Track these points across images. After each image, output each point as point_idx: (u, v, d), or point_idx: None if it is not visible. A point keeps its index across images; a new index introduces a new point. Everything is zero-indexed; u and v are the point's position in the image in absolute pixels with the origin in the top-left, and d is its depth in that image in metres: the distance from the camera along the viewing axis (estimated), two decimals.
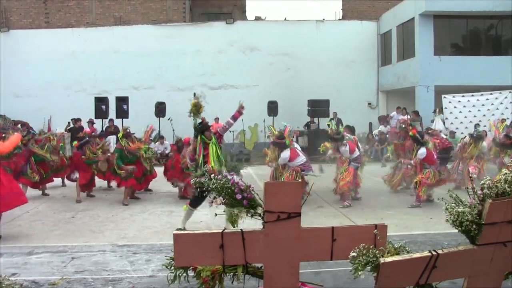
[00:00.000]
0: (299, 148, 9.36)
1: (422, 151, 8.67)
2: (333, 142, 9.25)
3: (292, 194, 2.81)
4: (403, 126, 9.91)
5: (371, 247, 2.63)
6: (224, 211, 3.25)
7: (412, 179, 9.32)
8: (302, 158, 8.69)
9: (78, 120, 16.58)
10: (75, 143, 9.78)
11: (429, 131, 10.76)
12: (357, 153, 9.14)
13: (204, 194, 6.47)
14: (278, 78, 19.94)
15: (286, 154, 8.61)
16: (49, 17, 21.63)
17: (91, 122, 16.10)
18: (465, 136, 11.11)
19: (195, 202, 7.00)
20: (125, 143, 9.23)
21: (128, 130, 9.56)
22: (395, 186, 10.17)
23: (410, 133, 9.19)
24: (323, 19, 21.22)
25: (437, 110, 16.48)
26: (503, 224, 2.61)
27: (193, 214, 7.08)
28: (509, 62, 16.50)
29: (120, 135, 9.51)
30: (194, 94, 7.34)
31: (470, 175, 9.35)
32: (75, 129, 16.24)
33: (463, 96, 16.07)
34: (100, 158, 9.60)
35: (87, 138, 9.66)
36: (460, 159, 10.45)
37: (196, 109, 7.05)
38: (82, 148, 9.51)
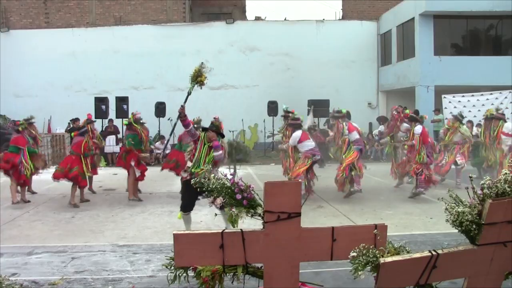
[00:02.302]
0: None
1: (418, 127, 9.27)
2: (334, 120, 9.71)
3: (292, 194, 2.81)
4: (395, 112, 10.44)
5: (371, 247, 2.63)
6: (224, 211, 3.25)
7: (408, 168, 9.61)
8: (311, 143, 9.09)
9: (77, 120, 16.57)
10: (72, 134, 9.67)
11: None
12: (356, 135, 9.36)
13: (192, 195, 6.26)
14: (278, 78, 19.93)
15: (297, 133, 9.04)
16: (49, 17, 21.63)
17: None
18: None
19: (185, 206, 6.55)
20: (140, 127, 9.29)
21: (138, 116, 9.52)
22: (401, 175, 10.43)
23: (407, 114, 9.88)
24: (323, 19, 21.22)
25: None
26: (503, 224, 2.61)
27: (191, 217, 6.74)
28: (509, 62, 16.49)
29: (131, 118, 9.45)
30: (202, 63, 6.94)
31: (459, 165, 9.82)
32: (75, 130, 16.26)
33: (463, 96, 16.06)
34: (96, 151, 9.68)
35: (85, 128, 9.47)
36: (445, 148, 10.78)
37: (197, 75, 6.64)
38: (83, 135, 9.33)
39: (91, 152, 9.46)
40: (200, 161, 6.42)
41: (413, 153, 9.34)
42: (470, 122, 13.45)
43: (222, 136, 6.76)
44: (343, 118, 9.53)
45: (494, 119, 10.72)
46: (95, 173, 10.14)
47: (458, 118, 10.78)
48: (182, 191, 6.80)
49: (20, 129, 9.52)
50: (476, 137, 11.48)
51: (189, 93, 6.71)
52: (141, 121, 9.63)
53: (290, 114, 9.68)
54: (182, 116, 6.46)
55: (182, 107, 6.53)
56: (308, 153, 8.98)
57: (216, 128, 6.67)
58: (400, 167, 10.23)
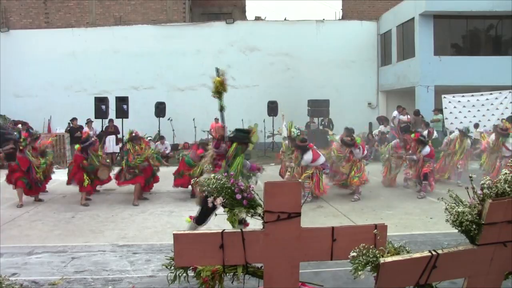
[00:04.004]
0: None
1: (427, 149, 9.73)
2: (346, 146, 9.67)
3: (292, 194, 2.81)
4: (402, 144, 10.66)
5: (371, 247, 2.62)
6: (224, 211, 3.25)
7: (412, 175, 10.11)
8: (322, 159, 9.15)
9: (75, 119, 16.62)
10: (77, 146, 9.50)
11: None
12: (364, 152, 9.81)
13: (210, 210, 5.52)
14: (278, 78, 19.92)
15: (309, 156, 8.97)
16: (49, 17, 21.62)
17: (90, 122, 16.11)
18: (452, 132, 11.78)
19: (200, 219, 5.81)
20: (130, 146, 9.25)
21: (134, 134, 9.49)
22: (393, 181, 10.89)
23: (414, 137, 10.11)
24: (323, 19, 21.20)
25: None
26: (503, 224, 2.61)
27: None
28: (509, 62, 16.48)
29: (126, 138, 9.48)
30: (217, 69, 6.33)
31: (459, 170, 10.44)
32: (74, 129, 16.29)
33: (463, 96, 16.05)
34: (99, 166, 9.38)
35: (91, 140, 9.33)
36: (447, 155, 11.13)
37: (223, 87, 6.10)
38: (86, 151, 9.19)
39: (90, 168, 9.19)
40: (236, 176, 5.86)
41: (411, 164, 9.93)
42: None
43: (246, 144, 6.03)
44: (355, 147, 9.54)
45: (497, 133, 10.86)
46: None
47: (466, 134, 11.05)
48: (202, 204, 5.98)
49: (21, 147, 9.24)
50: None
51: (223, 110, 6.23)
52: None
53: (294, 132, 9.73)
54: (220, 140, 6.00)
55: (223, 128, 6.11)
56: (319, 167, 9.08)
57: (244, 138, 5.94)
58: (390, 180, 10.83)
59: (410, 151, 10.12)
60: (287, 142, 10.03)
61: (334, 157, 9.94)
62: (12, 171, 9.18)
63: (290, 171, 9.41)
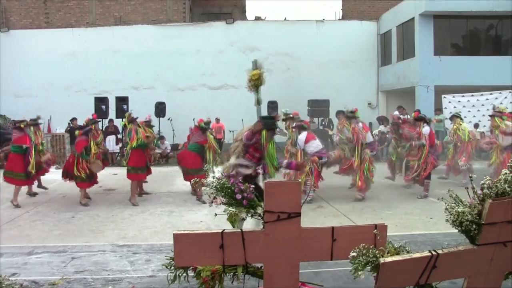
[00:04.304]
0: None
1: (427, 129, 9.37)
2: (347, 120, 9.48)
3: (292, 194, 2.80)
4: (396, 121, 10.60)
5: (371, 247, 2.62)
6: (224, 211, 3.25)
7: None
8: (317, 143, 9.00)
9: (74, 119, 16.63)
10: (77, 132, 9.40)
11: None
12: (370, 138, 9.62)
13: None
14: (278, 78, 19.90)
15: (303, 135, 8.95)
16: (49, 17, 21.63)
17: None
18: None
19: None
20: (130, 126, 9.22)
21: (131, 115, 9.41)
22: (409, 180, 10.38)
23: (414, 116, 9.88)
24: (323, 19, 21.22)
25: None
26: (503, 224, 2.60)
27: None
28: (509, 62, 16.50)
29: (126, 121, 9.39)
30: (255, 61, 6.08)
31: (461, 167, 10.00)
32: (74, 129, 16.28)
33: (463, 96, 16.07)
34: (91, 161, 9.08)
35: (90, 127, 9.26)
36: (455, 148, 10.99)
37: (261, 81, 5.96)
38: (86, 135, 9.06)
39: (86, 157, 8.95)
40: (273, 160, 5.78)
41: (418, 154, 9.45)
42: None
43: (274, 130, 6.00)
44: (356, 120, 9.33)
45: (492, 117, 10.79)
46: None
47: (458, 116, 11.00)
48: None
49: (22, 125, 9.26)
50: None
51: (260, 103, 6.13)
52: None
53: (293, 115, 9.68)
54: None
55: (260, 123, 5.95)
56: (315, 157, 8.89)
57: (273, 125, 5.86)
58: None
59: (416, 137, 9.74)
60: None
61: (345, 133, 9.52)
62: (9, 167, 9.13)
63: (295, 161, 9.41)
